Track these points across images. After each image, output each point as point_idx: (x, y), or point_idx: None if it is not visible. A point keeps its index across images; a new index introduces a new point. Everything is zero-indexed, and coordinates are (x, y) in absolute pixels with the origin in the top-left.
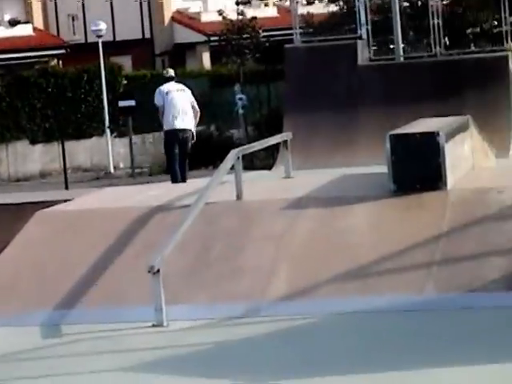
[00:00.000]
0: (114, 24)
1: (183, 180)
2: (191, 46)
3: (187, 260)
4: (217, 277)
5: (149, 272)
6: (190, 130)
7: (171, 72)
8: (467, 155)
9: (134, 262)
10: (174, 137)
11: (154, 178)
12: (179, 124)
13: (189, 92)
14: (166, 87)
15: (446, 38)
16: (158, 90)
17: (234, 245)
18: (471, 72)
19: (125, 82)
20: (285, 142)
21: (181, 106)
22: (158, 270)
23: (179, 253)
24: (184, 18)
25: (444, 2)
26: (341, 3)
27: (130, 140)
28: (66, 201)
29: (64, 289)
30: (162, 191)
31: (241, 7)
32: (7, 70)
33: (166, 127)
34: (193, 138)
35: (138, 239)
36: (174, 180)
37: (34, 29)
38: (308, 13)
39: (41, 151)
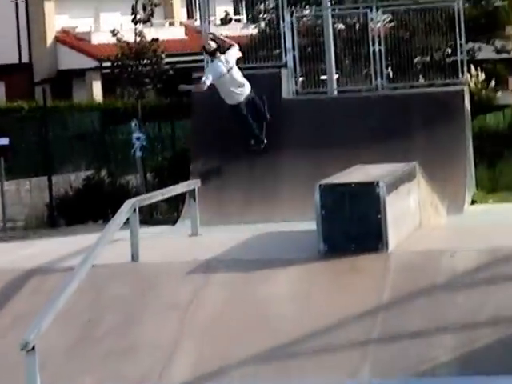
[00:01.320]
0: None
1: None
2: (79, 73)
3: (70, 335)
4: (106, 355)
5: (22, 349)
6: None
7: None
8: (413, 210)
9: (4, 336)
10: None
11: (30, 233)
12: None
13: None
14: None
15: (390, 69)
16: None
17: (128, 316)
18: (419, 109)
19: None
20: (192, 191)
21: None
22: (34, 347)
23: (60, 326)
24: (71, 39)
25: (388, 25)
26: (262, 24)
27: (2, 187)
28: None
29: None
30: (39, 250)
31: (139, 26)
32: None
33: None
34: None
35: (9, 309)
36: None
37: None
38: (222, 35)
39: None
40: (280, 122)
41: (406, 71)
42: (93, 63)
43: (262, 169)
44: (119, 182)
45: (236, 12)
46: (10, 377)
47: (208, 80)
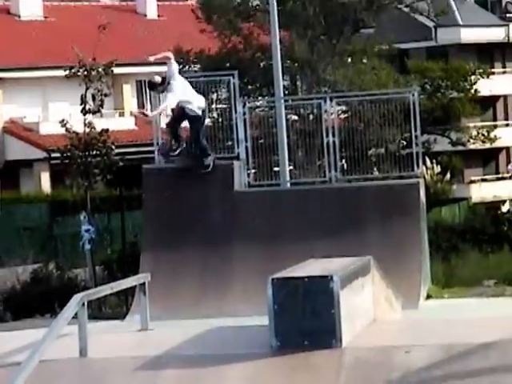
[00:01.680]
0: None
1: None
2: (27, 164)
3: None
4: None
5: None
6: None
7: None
8: (367, 305)
9: None
10: None
11: None
12: None
13: None
14: None
15: (344, 160)
16: None
17: None
18: (374, 202)
19: None
20: (142, 285)
21: None
22: None
23: None
24: (18, 129)
25: (341, 116)
26: (215, 115)
27: None
28: None
29: None
30: None
31: (89, 117)
32: None
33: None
34: None
35: None
36: None
37: None
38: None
39: None
40: (232, 214)
41: (360, 163)
42: (41, 154)
43: (215, 261)
44: (67, 276)
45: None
46: None
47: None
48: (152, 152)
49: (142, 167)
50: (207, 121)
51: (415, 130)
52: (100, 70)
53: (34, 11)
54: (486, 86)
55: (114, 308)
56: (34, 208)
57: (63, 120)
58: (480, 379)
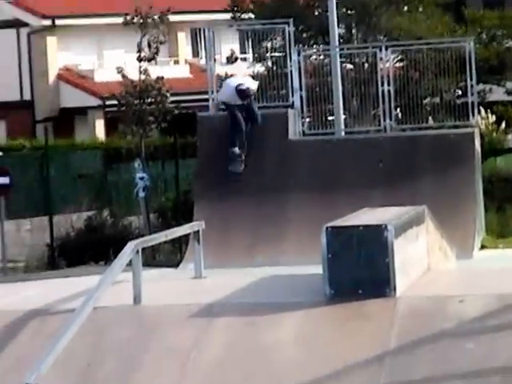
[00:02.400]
0: None
1: None
2: (82, 112)
3: (70, 378)
4: None
5: None
6: None
7: None
8: (421, 254)
9: (2, 379)
10: None
11: (30, 274)
12: None
13: None
14: None
15: (398, 110)
16: None
17: (129, 360)
18: (429, 152)
19: None
20: (196, 233)
21: None
22: None
23: (60, 369)
24: (74, 77)
25: (397, 65)
26: (269, 63)
27: (2, 227)
28: None
29: None
30: (40, 291)
31: (144, 65)
32: None
33: None
34: None
35: (9, 351)
36: None
37: None
38: (226, 74)
39: None
40: (286, 163)
41: (415, 112)
42: (96, 101)
43: (269, 210)
44: (122, 223)
45: (242, 50)
46: None
47: None
48: (206, 100)
49: (196, 115)
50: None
51: (471, 80)
52: (156, 17)
53: None
54: None
55: (167, 256)
56: (88, 155)
57: (119, 67)
58: None
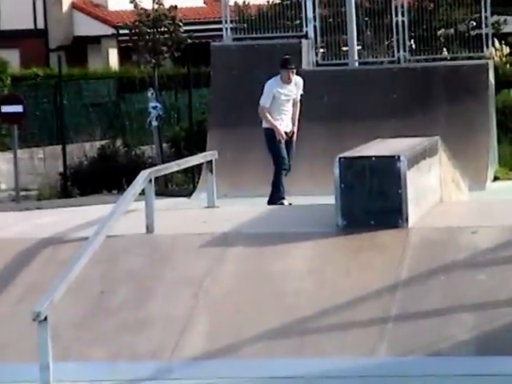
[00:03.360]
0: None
1: None
2: (95, 40)
3: (82, 306)
4: (119, 328)
5: (34, 320)
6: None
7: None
8: (434, 185)
9: (15, 307)
10: None
11: (43, 202)
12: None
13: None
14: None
15: (412, 41)
16: None
17: (142, 289)
18: (442, 83)
19: (9, 82)
20: (209, 162)
21: None
22: (46, 318)
23: (73, 297)
24: (87, 5)
25: None
26: None
27: (15, 155)
28: None
29: None
30: (53, 219)
31: None
32: None
33: None
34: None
35: (21, 279)
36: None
37: None
38: (243, 3)
39: None
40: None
41: (429, 43)
42: (109, 30)
43: None
44: (135, 152)
45: None
46: (21, 347)
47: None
48: (220, 30)
49: (210, 45)
50: None
51: (485, 11)
52: None
53: None
54: None
55: (180, 185)
56: (101, 84)
57: None
58: None
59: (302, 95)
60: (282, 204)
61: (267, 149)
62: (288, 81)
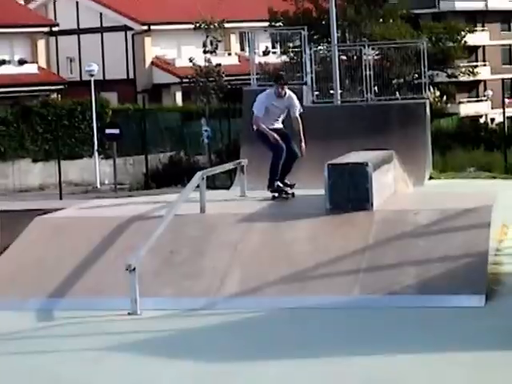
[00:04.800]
0: (104, 65)
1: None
2: (166, 86)
3: (158, 261)
4: (181, 276)
5: (126, 269)
6: None
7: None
8: (390, 183)
9: (114, 261)
10: None
11: (132, 193)
12: None
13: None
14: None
15: (376, 87)
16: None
17: (196, 250)
18: (395, 115)
19: (111, 113)
20: (241, 167)
21: None
22: (134, 268)
23: (152, 255)
24: (162, 63)
25: (375, 57)
26: (291, 55)
27: (114, 161)
28: (59, 209)
29: (57, 281)
30: (139, 203)
31: (208, 55)
32: (15, 101)
33: None
34: None
35: (119, 243)
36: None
37: (39, 67)
38: (264, 62)
39: (40, 168)
40: (301, 121)
41: (387, 89)
42: (176, 80)
43: None
44: (192, 160)
45: (273, 46)
46: (118, 288)
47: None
48: (249, 79)
49: (242, 89)
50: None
51: (423, 67)
52: (216, 25)
53: None
54: (470, 39)
55: (223, 182)
56: (171, 115)
57: (191, 57)
58: (463, 232)
59: (301, 112)
60: (281, 192)
61: (265, 146)
62: (280, 93)
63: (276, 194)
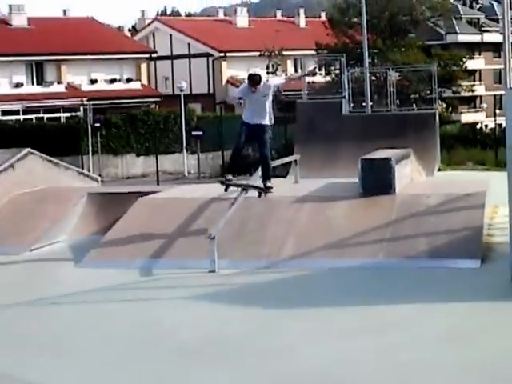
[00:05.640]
0: (191, 82)
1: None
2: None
3: (231, 231)
4: (249, 243)
5: (208, 238)
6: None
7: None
8: (408, 173)
9: (199, 231)
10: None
11: (212, 180)
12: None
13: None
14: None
15: (397, 100)
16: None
17: (261, 223)
18: (412, 122)
19: (196, 119)
20: (295, 161)
21: None
22: (214, 237)
23: (228, 227)
24: (234, 81)
25: (397, 78)
26: (333, 76)
27: (198, 156)
28: (157, 192)
29: (156, 246)
30: (216, 188)
31: (270, 75)
32: (124, 110)
33: None
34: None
35: (202, 217)
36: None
37: (141, 84)
38: (312, 81)
39: (142, 161)
40: (341, 126)
41: (406, 102)
42: None
43: (332, 150)
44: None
45: (319, 69)
46: (201, 252)
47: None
48: (301, 94)
49: (296, 101)
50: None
51: (434, 86)
52: (276, 52)
53: (243, 23)
54: (470, 64)
55: (281, 172)
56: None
57: None
58: (464, 211)
59: (277, 92)
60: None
61: (266, 140)
62: (254, 90)
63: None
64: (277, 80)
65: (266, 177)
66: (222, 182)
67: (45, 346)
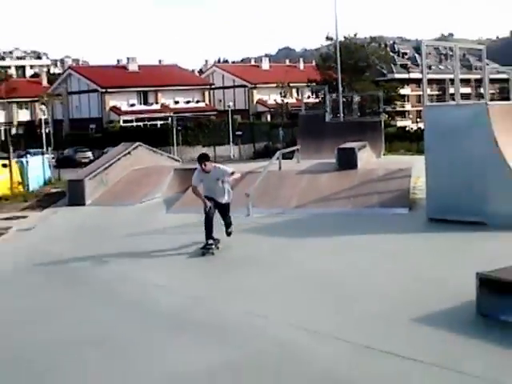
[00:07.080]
0: (235, 102)
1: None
2: (263, 112)
3: (259, 192)
4: (270, 198)
5: (245, 195)
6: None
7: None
8: (365, 156)
9: (240, 191)
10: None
11: (247, 161)
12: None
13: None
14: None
15: (359, 113)
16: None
17: (276, 187)
18: (368, 126)
19: (238, 125)
20: (297, 149)
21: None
22: (249, 195)
23: (258, 189)
24: (261, 102)
25: (358, 99)
26: (320, 98)
27: (239, 147)
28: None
29: None
30: (251, 164)
31: (282, 98)
32: (193, 121)
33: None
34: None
35: (243, 183)
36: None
37: (205, 104)
38: (307, 102)
39: (206, 149)
40: (325, 129)
41: (364, 114)
42: (266, 109)
43: (319, 143)
44: (275, 146)
45: (311, 94)
46: (241, 204)
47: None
48: (301, 109)
49: (298, 113)
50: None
51: (380, 104)
52: (286, 84)
53: (266, 66)
54: (402, 91)
55: (289, 156)
56: (265, 125)
57: (275, 100)
58: (398, 179)
59: (231, 172)
60: (208, 249)
61: (227, 210)
62: (204, 169)
63: (204, 251)
64: (227, 168)
65: (228, 234)
66: (203, 252)
67: (152, 255)
